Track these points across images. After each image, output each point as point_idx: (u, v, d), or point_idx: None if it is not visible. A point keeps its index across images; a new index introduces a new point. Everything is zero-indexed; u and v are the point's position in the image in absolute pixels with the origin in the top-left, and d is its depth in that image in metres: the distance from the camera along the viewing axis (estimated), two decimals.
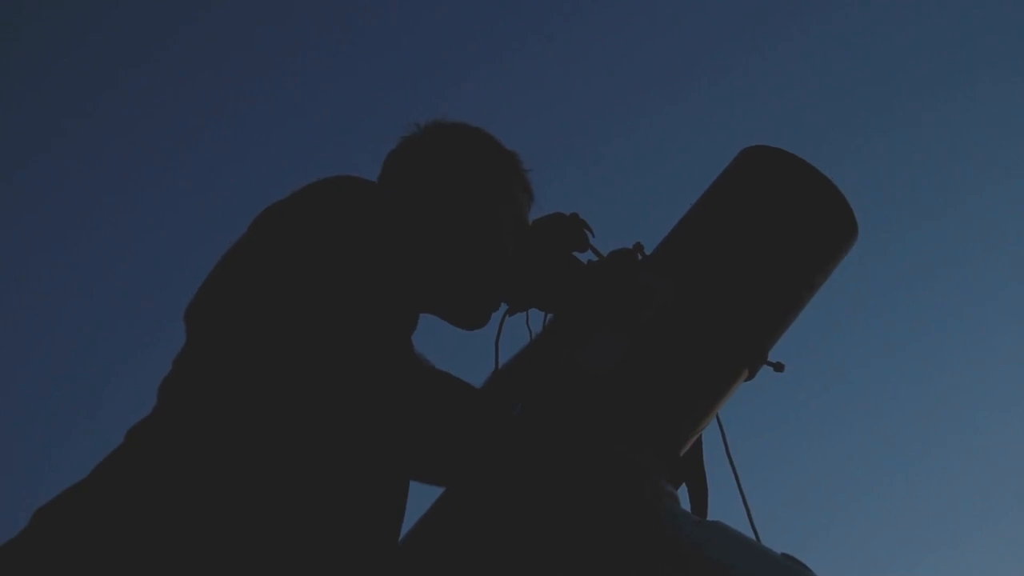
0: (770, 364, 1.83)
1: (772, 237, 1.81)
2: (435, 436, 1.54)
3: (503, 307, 1.88)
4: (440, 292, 1.80)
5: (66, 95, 5.70)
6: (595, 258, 1.87)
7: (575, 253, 1.88)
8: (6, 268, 5.55)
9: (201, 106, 5.81)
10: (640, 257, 1.85)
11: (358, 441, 1.53)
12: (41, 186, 5.63)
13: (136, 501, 1.47)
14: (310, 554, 1.49)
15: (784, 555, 1.59)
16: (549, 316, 1.90)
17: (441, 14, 5.88)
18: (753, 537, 1.75)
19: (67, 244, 5.65)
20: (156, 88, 5.74)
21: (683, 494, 1.79)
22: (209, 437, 1.50)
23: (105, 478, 1.51)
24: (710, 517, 1.79)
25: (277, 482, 1.49)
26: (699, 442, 1.83)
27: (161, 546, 1.43)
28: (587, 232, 1.89)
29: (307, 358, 1.50)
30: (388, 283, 1.59)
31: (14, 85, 5.60)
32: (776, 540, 1.68)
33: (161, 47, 5.75)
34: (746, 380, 1.83)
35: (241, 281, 1.58)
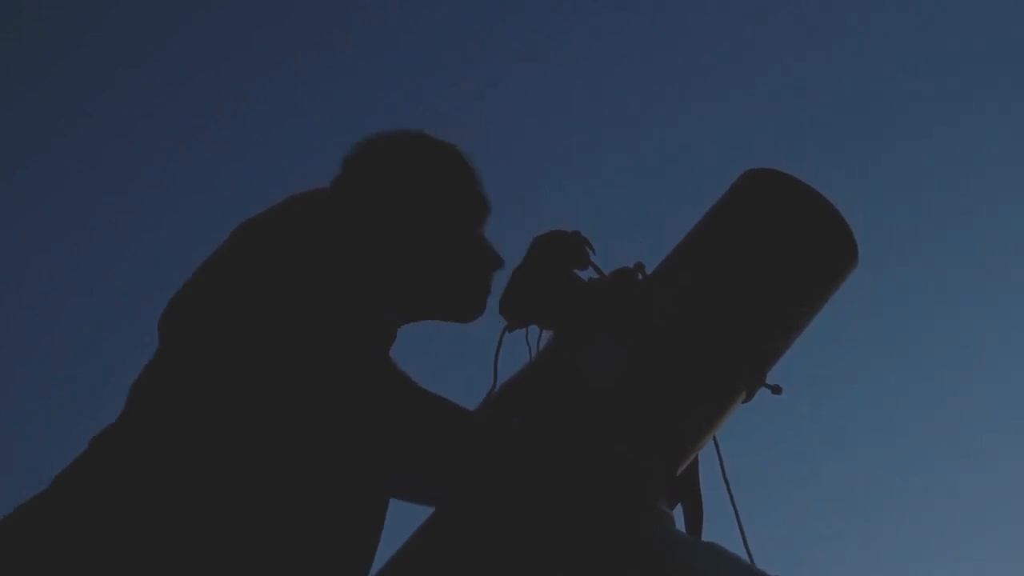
0: (768, 386, 1.84)
1: (772, 260, 1.83)
2: (413, 443, 1.55)
3: (503, 325, 1.88)
4: (424, 291, 1.81)
5: (66, 96, 5.71)
6: (596, 275, 1.88)
7: (576, 270, 1.89)
8: (6, 269, 5.56)
9: (200, 108, 5.82)
10: (641, 276, 1.85)
11: (329, 453, 1.54)
12: (40, 187, 5.63)
13: (101, 510, 1.46)
14: (280, 567, 1.48)
15: None
16: (548, 332, 1.90)
17: (444, 21, 5.89)
18: (747, 560, 1.75)
19: (67, 244, 5.65)
20: (155, 89, 5.74)
21: (678, 515, 1.80)
22: (178, 448, 1.50)
23: (70, 487, 1.51)
24: (705, 538, 1.79)
25: (246, 493, 1.49)
26: (695, 463, 1.84)
27: (123, 558, 1.42)
28: (588, 249, 1.89)
29: (276, 369, 1.52)
30: (356, 294, 1.62)
31: (14, 85, 5.60)
32: (770, 563, 1.68)
33: (161, 47, 5.75)
34: (744, 402, 1.84)
35: (217, 293, 1.60)
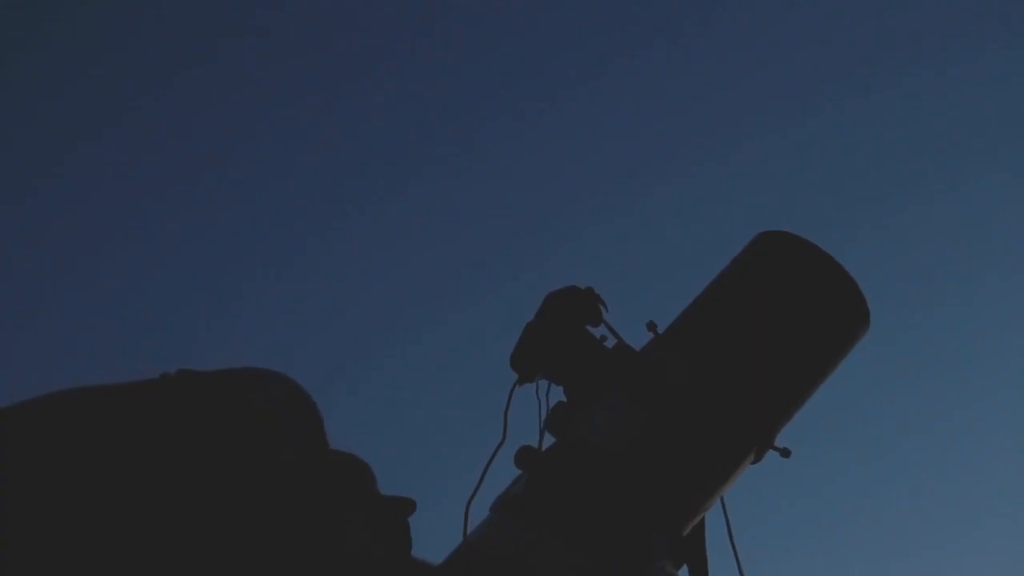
0: (776, 449, 1.84)
1: (784, 324, 1.84)
2: None
3: (513, 378, 1.90)
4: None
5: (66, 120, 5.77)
6: (608, 333, 1.89)
7: (588, 327, 1.90)
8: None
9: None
10: (653, 335, 1.86)
11: None
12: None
13: None
14: None
15: None
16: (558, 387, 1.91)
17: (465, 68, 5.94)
18: None
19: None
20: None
21: (684, 575, 1.80)
22: None
23: None
24: None
25: None
26: (702, 523, 1.84)
27: None
28: (601, 307, 1.90)
29: None
30: None
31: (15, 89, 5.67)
32: None
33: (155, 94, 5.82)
34: (752, 463, 1.84)
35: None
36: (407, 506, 1.75)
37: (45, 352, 5.56)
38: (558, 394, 1.88)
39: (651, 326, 1.86)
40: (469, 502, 1.79)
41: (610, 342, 1.88)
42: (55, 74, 5.88)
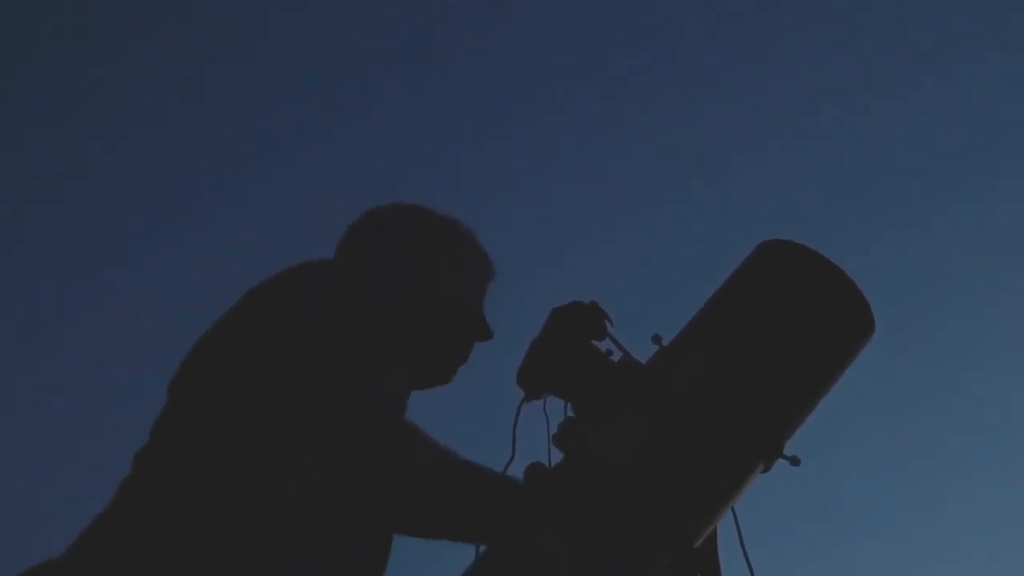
0: (786, 458, 1.84)
1: (788, 333, 1.83)
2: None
3: (520, 394, 1.89)
4: (422, 360, 1.85)
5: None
6: (614, 347, 1.88)
7: (593, 342, 1.89)
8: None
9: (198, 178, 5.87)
10: (658, 347, 1.86)
11: (332, 521, 1.60)
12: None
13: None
14: None
15: None
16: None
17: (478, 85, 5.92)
18: None
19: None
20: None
21: None
22: (190, 513, 1.57)
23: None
24: None
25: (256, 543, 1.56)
26: (714, 534, 1.84)
27: None
28: (606, 321, 1.89)
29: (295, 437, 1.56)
30: (381, 364, 1.67)
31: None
32: None
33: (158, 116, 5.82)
34: (762, 473, 1.84)
35: (232, 358, 1.65)
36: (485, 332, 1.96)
37: (46, 352, 5.58)
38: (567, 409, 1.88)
39: (656, 339, 1.86)
40: None
41: (616, 356, 1.87)
42: (55, 74, 5.87)
